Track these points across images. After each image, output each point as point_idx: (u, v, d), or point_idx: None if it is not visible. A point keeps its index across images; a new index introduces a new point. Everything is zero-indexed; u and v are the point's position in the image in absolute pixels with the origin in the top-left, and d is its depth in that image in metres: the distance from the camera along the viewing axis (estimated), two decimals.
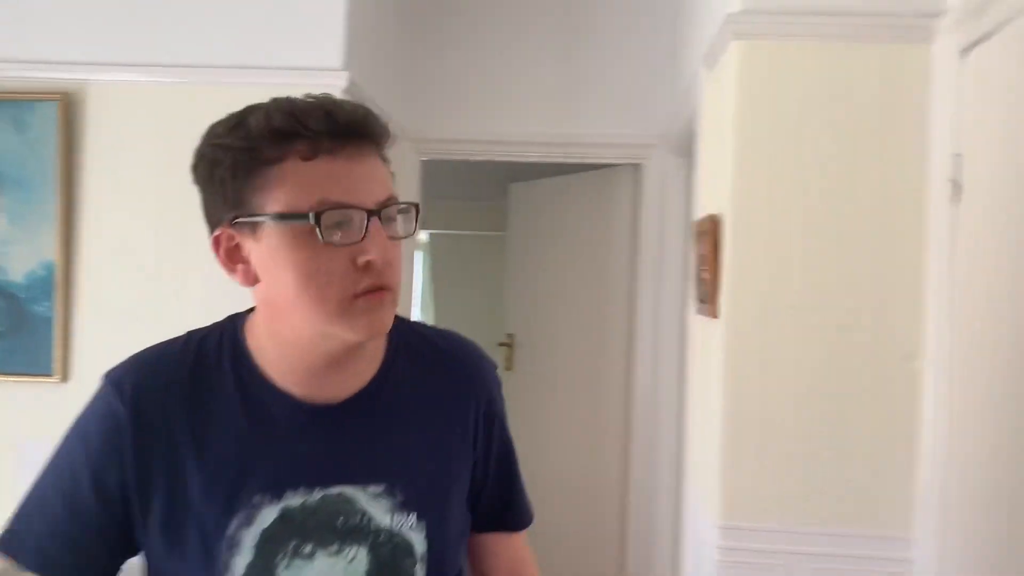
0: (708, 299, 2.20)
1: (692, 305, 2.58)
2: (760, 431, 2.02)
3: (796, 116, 2.02)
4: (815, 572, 2.00)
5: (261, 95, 0.97)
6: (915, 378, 1.98)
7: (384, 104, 2.80)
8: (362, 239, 0.89)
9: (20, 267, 2.38)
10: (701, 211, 2.49)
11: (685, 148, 3.09)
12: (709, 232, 2.17)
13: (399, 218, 0.96)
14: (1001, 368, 1.61)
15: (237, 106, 0.95)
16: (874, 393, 2.00)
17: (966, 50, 1.78)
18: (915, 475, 1.97)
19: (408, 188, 3.35)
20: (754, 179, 2.03)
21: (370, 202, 0.90)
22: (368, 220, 0.89)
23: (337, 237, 0.88)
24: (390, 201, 0.93)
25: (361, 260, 0.89)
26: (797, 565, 2.01)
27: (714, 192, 2.28)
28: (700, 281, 2.34)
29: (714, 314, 2.14)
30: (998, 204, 1.64)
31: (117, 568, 0.99)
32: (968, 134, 1.78)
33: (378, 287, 0.91)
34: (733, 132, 2.04)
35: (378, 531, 0.98)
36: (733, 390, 2.03)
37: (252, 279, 0.94)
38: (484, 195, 5.88)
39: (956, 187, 1.80)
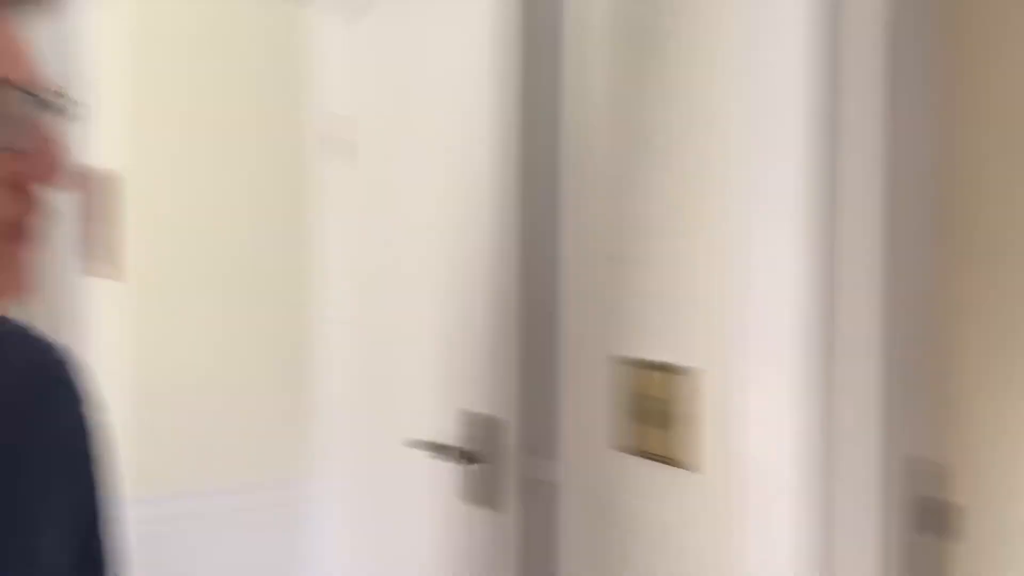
0: (108, 261, 2.05)
1: (86, 268, 2.38)
2: (172, 396, 1.96)
3: (188, 69, 1.96)
4: (235, 526, 2.04)
5: None
6: (305, 332, 2.09)
7: None
8: (28, 141, 0.54)
9: None
10: (96, 163, 2.29)
11: (79, 94, 2.81)
12: (99, 188, 2.01)
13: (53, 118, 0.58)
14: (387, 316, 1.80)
15: None
16: (273, 349, 2.07)
17: (350, 18, 1.90)
18: (308, 424, 2.10)
19: None
20: (151, 132, 1.93)
21: (34, 85, 0.55)
22: (34, 113, 0.55)
23: None
24: (48, 88, 0.57)
25: (20, 172, 0.54)
26: (214, 524, 2.02)
27: (110, 144, 2.11)
28: (94, 241, 2.15)
29: (116, 277, 2.00)
30: (390, 162, 1.80)
31: None
32: (363, 97, 1.91)
33: (36, 219, 0.56)
34: (123, 80, 1.90)
35: None
36: (143, 356, 1.93)
37: None
38: None
39: (351, 147, 1.93)
